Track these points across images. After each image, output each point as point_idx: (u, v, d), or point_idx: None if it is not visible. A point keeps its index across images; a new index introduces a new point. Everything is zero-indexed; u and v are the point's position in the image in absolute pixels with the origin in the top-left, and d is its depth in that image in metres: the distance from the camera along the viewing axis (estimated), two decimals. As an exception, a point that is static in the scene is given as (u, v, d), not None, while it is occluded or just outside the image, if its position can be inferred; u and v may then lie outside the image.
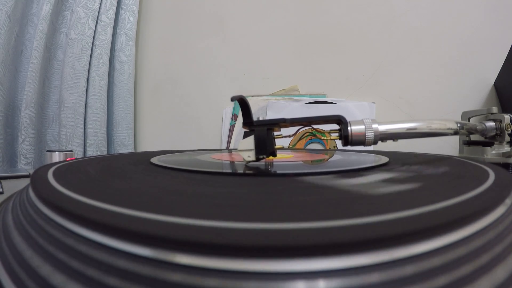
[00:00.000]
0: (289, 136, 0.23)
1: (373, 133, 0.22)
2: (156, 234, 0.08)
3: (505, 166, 0.35)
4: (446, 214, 0.10)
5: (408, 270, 0.08)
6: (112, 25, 0.70)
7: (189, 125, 0.74)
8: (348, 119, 0.22)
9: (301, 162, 0.24)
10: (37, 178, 0.16)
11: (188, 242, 0.08)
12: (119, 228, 0.09)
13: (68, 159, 0.37)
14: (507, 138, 0.31)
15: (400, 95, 0.61)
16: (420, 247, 0.08)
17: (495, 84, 0.57)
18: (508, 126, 0.31)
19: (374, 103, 0.59)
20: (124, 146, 0.72)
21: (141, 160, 0.25)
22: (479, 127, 0.30)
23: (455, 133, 0.25)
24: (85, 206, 0.11)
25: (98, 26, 0.69)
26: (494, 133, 0.31)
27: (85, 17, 0.67)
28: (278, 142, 0.23)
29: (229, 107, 0.68)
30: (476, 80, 0.58)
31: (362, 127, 0.22)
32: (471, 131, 0.28)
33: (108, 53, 0.69)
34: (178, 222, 0.09)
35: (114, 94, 0.72)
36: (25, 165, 0.63)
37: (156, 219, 0.09)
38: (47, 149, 0.55)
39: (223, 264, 0.08)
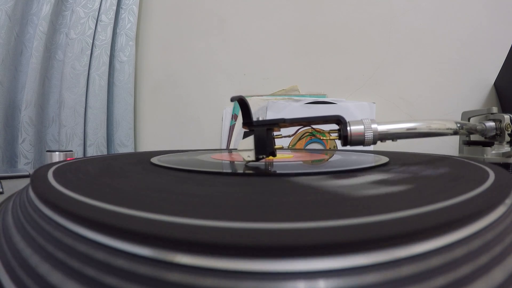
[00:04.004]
0: (289, 136, 0.23)
1: (372, 133, 0.22)
2: (156, 233, 0.08)
3: (505, 166, 0.35)
4: (446, 214, 0.10)
5: (408, 270, 0.08)
6: (112, 25, 0.70)
7: (189, 125, 0.74)
8: (348, 119, 0.22)
9: (301, 162, 0.24)
10: (37, 178, 0.16)
11: (187, 241, 0.08)
12: (119, 227, 0.09)
13: (68, 159, 0.37)
14: (507, 138, 0.31)
15: (400, 95, 0.61)
16: (420, 247, 0.08)
17: (495, 84, 0.57)
18: (508, 126, 0.31)
19: (374, 103, 0.59)
20: (124, 146, 0.72)
21: (141, 160, 0.25)
22: (479, 127, 0.30)
23: (455, 133, 0.25)
24: (85, 206, 0.11)
25: (98, 26, 0.69)
26: (494, 133, 0.31)
27: (85, 17, 0.67)
28: (278, 142, 0.23)
29: (229, 107, 0.68)
30: (476, 80, 0.58)
31: (361, 127, 0.22)
32: (471, 131, 0.28)
33: (108, 53, 0.69)
34: (177, 222, 0.09)
35: (114, 94, 0.72)
36: (25, 165, 0.63)
37: (155, 218, 0.09)
38: (47, 149, 0.55)
39: (222, 264, 0.08)
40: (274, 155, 0.21)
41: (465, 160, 0.23)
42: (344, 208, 0.11)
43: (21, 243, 0.11)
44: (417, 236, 0.08)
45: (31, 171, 0.30)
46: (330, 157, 0.28)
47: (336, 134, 0.23)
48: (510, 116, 0.31)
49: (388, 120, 0.23)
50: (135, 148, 0.75)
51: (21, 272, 0.10)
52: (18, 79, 0.66)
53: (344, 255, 0.08)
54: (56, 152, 0.39)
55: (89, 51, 0.68)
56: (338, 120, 0.22)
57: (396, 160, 0.24)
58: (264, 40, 0.69)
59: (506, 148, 0.36)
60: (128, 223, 0.09)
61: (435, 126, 0.24)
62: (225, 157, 0.28)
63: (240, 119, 0.47)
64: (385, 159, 0.23)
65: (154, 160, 0.25)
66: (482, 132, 0.31)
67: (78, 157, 0.41)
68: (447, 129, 0.24)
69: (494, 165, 0.19)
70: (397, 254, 0.08)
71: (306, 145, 0.58)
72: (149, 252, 0.08)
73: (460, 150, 0.44)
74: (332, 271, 0.08)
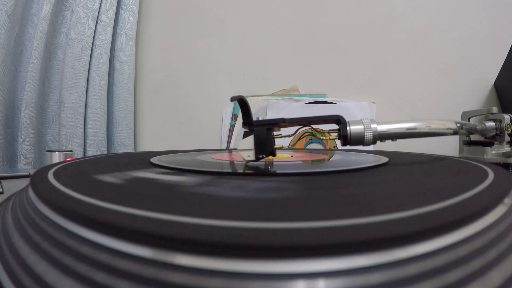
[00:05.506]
0: (289, 136, 0.23)
1: (371, 133, 0.22)
2: (157, 233, 0.08)
3: (505, 166, 0.35)
4: (446, 214, 0.10)
5: (408, 270, 0.08)
6: (112, 25, 0.70)
7: (189, 125, 0.73)
8: (348, 119, 0.22)
9: (301, 162, 0.24)
10: (37, 178, 0.16)
11: (186, 241, 0.08)
12: (121, 227, 0.09)
13: (68, 159, 0.37)
14: (507, 138, 0.31)
15: (400, 95, 0.61)
16: (420, 247, 0.08)
17: (495, 84, 0.57)
18: (508, 126, 0.30)
19: (374, 103, 0.59)
20: (124, 146, 0.72)
21: (141, 160, 0.25)
22: (479, 127, 0.30)
23: (455, 133, 0.25)
24: (86, 206, 0.11)
25: (98, 26, 0.69)
26: (494, 133, 0.31)
27: (85, 17, 0.67)
28: (278, 142, 0.23)
29: (229, 107, 0.68)
30: (476, 80, 0.58)
31: (361, 127, 0.22)
32: (471, 131, 0.28)
33: (108, 53, 0.69)
34: (177, 221, 0.09)
35: (114, 94, 0.72)
36: (25, 165, 0.63)
37: (156, 217, 0.09)
38: (47, 149, 0.55)
39: (221, 264, 0.08)
40: (274, 155, 0.21)
41: (465, 160, 0.23)
42: (343, 208, 0.11)
43: (20, 243, 0.11)
44: (417, 236, 0.08)
45: (31, 171, 0.30)
46: (330, 157, 0.28)
47: (336, 134, 0.23)
48: (510, 116, 0.31)
49: (388, 120, 0.23)
50: (135, 148, 0.75)
51: (20, 272, 0.10)
52: (18, 79, 0.66)
53: (343, 255, 0.08)
54: (56, 152, 0.39)
55: (89, 51, 0.68)
56: (338, 120, 0.22)
57: (396, 160, 0.24)
58: (264, 40, 0.69)
59: (506, 148, 0.36)
60: (130, 222, 0.09)
61: (435, 126, 0.24)
62: (225, 157, 0.28)
63: (240, 119, 0.47)
64: (384, 159, 0.23)
65: (154, 160, 0.25)
66: (482, 132, 0.31)
67: (78, 157, 0.41)
68: (447, 129, 0.24)
69: (494, 165, 0.19)
70: (396, 254, 0.08)
71: (306, 145, 0.58)
72: (150, 252, 0.08)
73: (460, 150, 0.44)
74: (332, 271, 0.07)
